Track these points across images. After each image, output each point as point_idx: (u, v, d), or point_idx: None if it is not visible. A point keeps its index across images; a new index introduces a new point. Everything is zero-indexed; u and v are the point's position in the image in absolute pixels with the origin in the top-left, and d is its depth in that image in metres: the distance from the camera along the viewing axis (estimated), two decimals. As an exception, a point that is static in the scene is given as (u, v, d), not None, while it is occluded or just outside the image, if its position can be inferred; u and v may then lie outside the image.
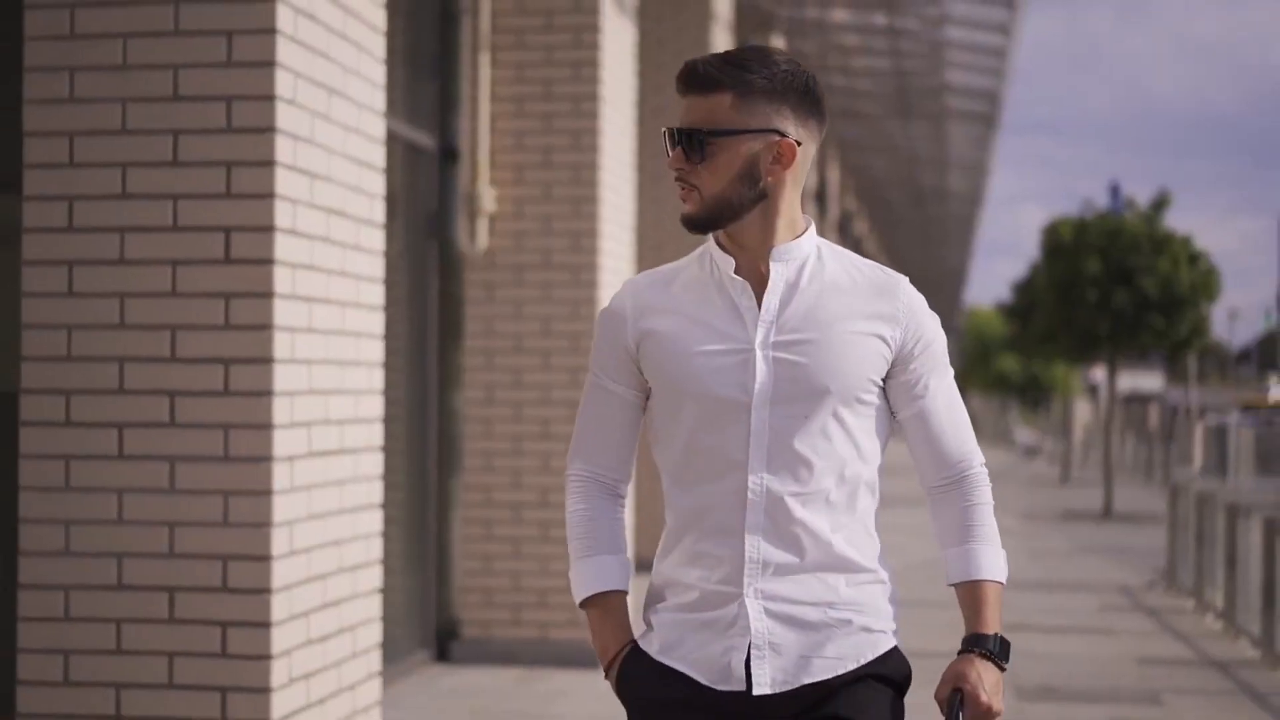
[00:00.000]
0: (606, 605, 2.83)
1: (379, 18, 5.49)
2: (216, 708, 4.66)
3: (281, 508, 4.73)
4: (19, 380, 4.81)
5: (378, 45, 5.47)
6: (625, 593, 2.85)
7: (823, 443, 2.70)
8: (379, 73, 5.49)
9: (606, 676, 2.82)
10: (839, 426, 2.71)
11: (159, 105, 4.72)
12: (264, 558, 4.66)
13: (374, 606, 5.48)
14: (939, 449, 2.82)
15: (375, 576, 5.49)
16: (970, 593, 2.77)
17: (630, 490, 2.97)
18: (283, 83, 4.72)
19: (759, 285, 2.73)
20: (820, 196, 23.14)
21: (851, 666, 2.71)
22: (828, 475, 2.71)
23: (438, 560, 8.89)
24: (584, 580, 2.84)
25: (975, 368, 46.06)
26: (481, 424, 8.82)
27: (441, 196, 8.87)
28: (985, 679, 2.69)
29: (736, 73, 2.67)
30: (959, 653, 2.74)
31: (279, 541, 4.71)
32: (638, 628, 2.84)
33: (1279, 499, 10.54)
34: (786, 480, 2.69)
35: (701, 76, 2.69)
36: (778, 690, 2.68)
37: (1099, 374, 34.69)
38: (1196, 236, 21.64)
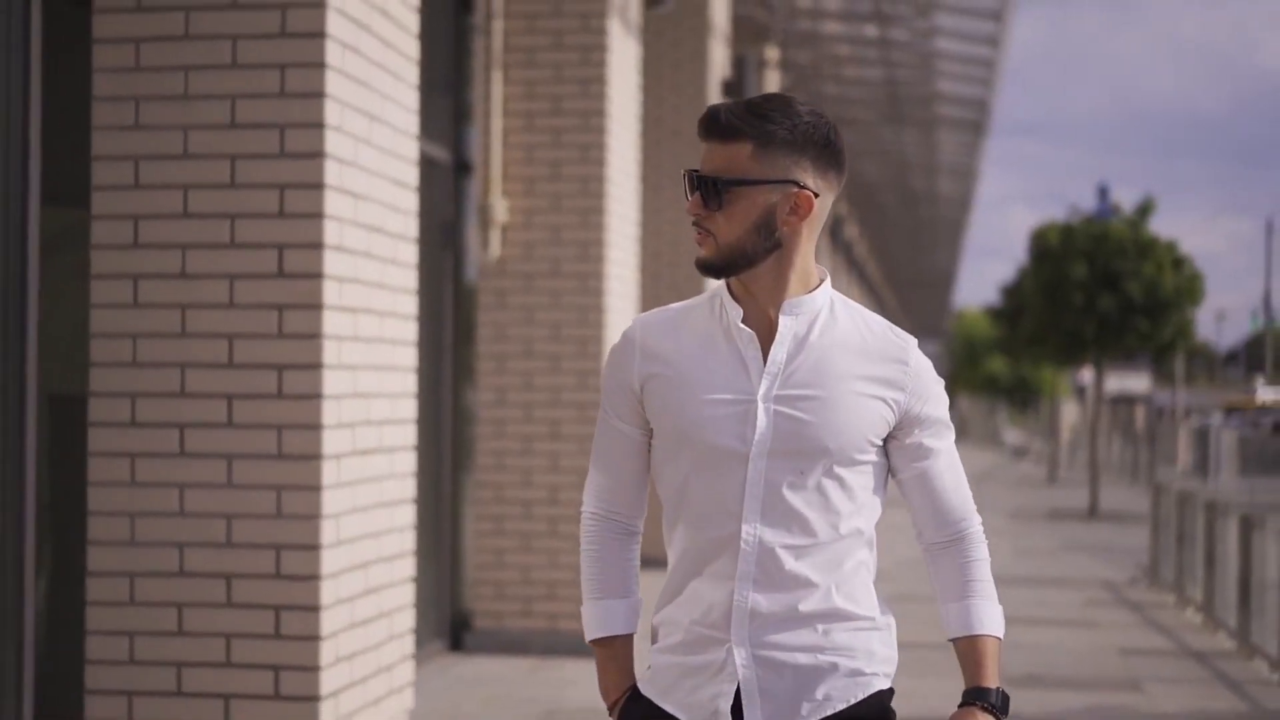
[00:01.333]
0: (611, 649, 2.86)
1: (413, 48, 5.88)
2: (270, 685, 5.05)
3: (329, 501, 5.12)
4: (88, 384, 5.19)
5: (412, 74, 5.87)
6: (631, 635, 2.89)
7: (817, 498, 2.69)
8: (413, 99, 5.88)
9: (610, 715, 2.88)
10: (835, 483, 2.70)
11: (218, 132, 5.11)
12: (314, 547, 5.05)
13: (408, 594, 5.87)
14: (940, 509, 2.81)
15: (409, 566, 5.88)
16: (971, 647, 2.76)
17: None
18: (330, 112, 5.11)
19: (767, 335, 2.70)
20: (812, 201, 23.37)
21: (840, 707, 2.71)
22: (822, 529, 2.69)
23: (451, 554, 9.25)
24: (591, 623, 2.88)
25: (964, 369, 46.36)
26: (493, 425, 9.15)
27: (456, 207, 9.24)
28: None
29: (758, 123, 2.64)
30: (960, 705, 2.74)
31: (327, 532, 5.10)
32: (644, 661, 2.87)
33: (1263, 499, 10.88)
34: (780, 533, 2.68)
35: (723, 125, 2.65)
36: None
37: (1087, 375, 35.00)
38: (1184, 238, 22.10)
